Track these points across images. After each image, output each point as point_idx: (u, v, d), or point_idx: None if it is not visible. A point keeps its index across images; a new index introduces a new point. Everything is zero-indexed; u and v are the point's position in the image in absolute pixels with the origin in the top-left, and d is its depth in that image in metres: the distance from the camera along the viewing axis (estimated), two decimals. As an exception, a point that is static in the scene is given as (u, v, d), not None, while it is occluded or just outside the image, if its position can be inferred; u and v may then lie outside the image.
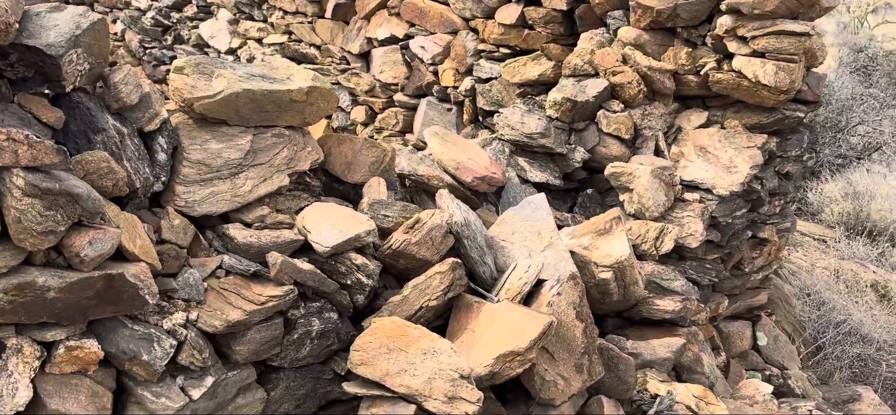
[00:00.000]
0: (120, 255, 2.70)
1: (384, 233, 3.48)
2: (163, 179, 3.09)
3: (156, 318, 2.82)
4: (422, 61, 6.04)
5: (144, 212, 3.04)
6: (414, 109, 6.31)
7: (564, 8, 5.19)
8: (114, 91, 2.93)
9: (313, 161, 3.59)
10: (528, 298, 3.39)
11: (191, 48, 7.74)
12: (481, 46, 5.62)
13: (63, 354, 2.58)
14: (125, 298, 2.64)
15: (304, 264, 3.13)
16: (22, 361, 2.51)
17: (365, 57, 6.62)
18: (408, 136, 6.36)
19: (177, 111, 3.26)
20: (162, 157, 3.09)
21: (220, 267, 3.09)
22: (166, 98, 3.34)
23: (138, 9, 8.28)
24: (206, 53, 7.62)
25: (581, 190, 4.89)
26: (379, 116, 6.59)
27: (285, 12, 6.99)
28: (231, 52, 7.42)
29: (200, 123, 3.24)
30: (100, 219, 2.57)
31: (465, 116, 5.84)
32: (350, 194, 3.83)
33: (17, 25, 2.41)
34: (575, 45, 5.17)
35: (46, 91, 2.82)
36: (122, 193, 2.81)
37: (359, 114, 6.67)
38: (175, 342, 2.79)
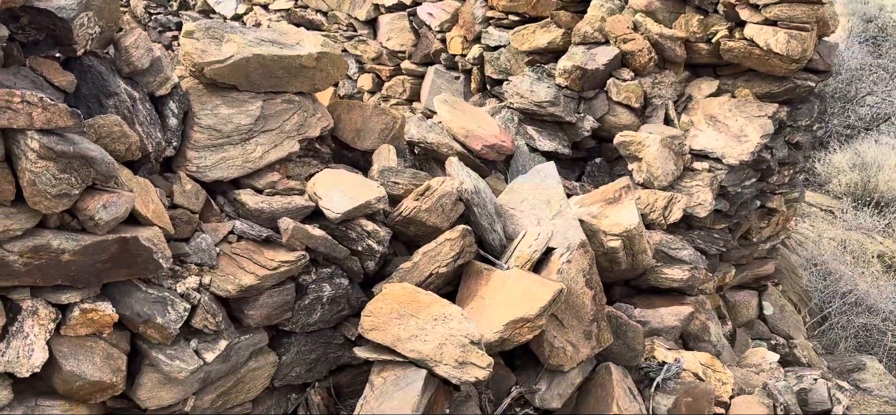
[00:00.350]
0: (133, 219, 2.71)
1: (394, 200, 3.49)
2: (174, 143, 3.09)
3: (169, 282, 2.83)
4: (429, 28, 6.01)
5: (156, 177, 3.05)
6: (421, 77, 6.29)
7: (575, -25, 5.15)
8: (125, 55, 2.92)
9: (323, 128, 3.59)
10: (537, 266, 3.40)
11: (196, 14, 7.71)
12: (490, 14, 5.58)
13: (78, 316, 2.60)
14: (139, 261, 2.66)
15: (315, 230, 3.14)
16: (37, 323, 2.53)
17: (372, 24, 6.58)
18: (415, 104, 6.35)
19: (187, 76, 3.25)
20: (173, 122, 3.09)
21: (232, 232, 3.10)
22: (177, 63, 3.33)
23: (144, -26, 8.24)
24: (212, 19, 7.58)
25: (589, 159, 4.89)
26: (386, 84, 6.57)
27: (292, -22, 6.96)
28: (237, 17, 7.38)
29: (211, 89, 3.23)
30: (113, 183, 2.58)
31: (473, 85, 5.82)
32: (360, 161, 3.84)
33: (29, -13, 2.39)
34: (585, 12, 5.13)
35: (58, 55, 2.81)
36: (135, 158, 2.81)
37: (365, 81, 6.64)
38: (188, 306, 2.81)
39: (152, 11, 8.08)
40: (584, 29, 4.90)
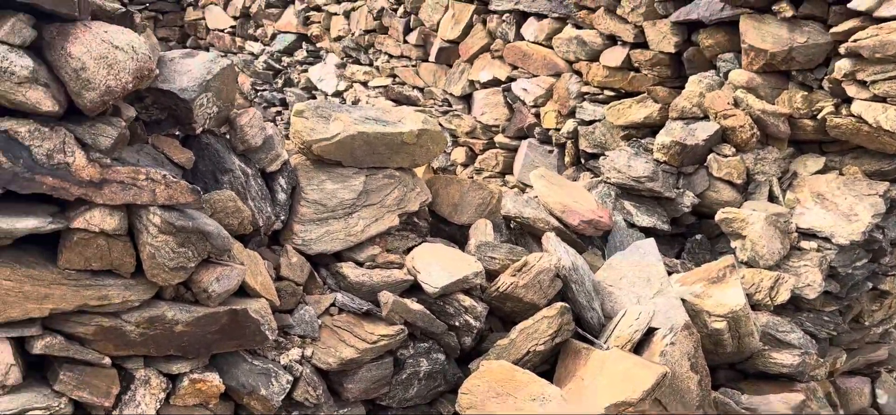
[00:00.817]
0: (242, 290, 2.80)
1: (491, 275, 3.48)
2: (282, 217, 3.20)
3: (273, 353, 2.89)
4: (523, 103, 6.07)
5: (264, 249, 3.15)
6: (514, 150, 6.33)
7: (672, 51, 5.12)
8: (239, 133, 3.05)
9: (422, 202, 3.65)
10: (638, 347, 3.31)
11: (299, 91, 8.03)
12: (585, 89, 5.59)
13: (187, 386, 2.68)
14: (247, 333, 2.73)
15: (414, 305, 3.16)
16: (149, 392, 2.62)
17: (466, 99, 6.70)
18: (508, 177, 6.37)
19: (295, 152, 3.38)
20: (282, 196, 3.20)
21: (333, 305, 3.15)
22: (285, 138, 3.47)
23: (252, 53, 8.66)
24: (314, 96, 7.88)
25: (689, 235, 4.77)
26: (479, 158, 6.63)
27: (390, 56, 7.17)
28: (337, 94, 7.65)
29: (317, 165, 3.35)
30: (227, 256, 2.67)
31: (567, 158, 5.81)
32: (456, 235, 3.86)
33: (156, 71, 2.54)
34: (682, 87, 5.08)
35: (177, 133, 2.97)
36: (247, 232, 2.92)
37: (459, 155, 6.73)
38: (291, 378, 2.85)
39: (258, 88, 8.46)
40: (682, 104, 4.84)
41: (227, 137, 3.10)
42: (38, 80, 2.20)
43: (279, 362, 2.89)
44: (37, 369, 2.49)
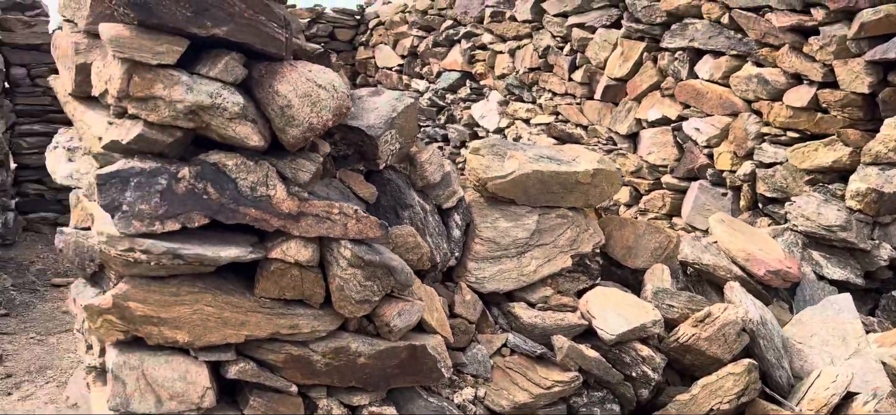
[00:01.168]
0: (418, 326, 2.81)
1: (668, 324, 3.32)
2: (456, 254, 3.20)
3: (447, 391, 2.88)
4: (695, 143, 5.81)
5: (438, 285, 3.16)
6: (682, 191, 6.06)
7: (866, 91, 4.73)
8: (419, 169, 3.10)
9: (595, 244, 3.55)
10: (835, 412, 3.03)
11: (461, 127, 8.14)
12: (765, 130, 5.27)
13: (366, 418, 2.71)
14: (424, 369, 2.73)
15: (589, 351, 3.06)
16: (330, 420, 2.67)
17: (632, 138, 6.51)
18: (675, 219, 6.11)
19: (469, 189, 3.39)
20: (457, 233, 3.20)
21: (505, 345, 3.11)
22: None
23: (417, 91, 8.91)
24: (476, 133, 7.96)
25: (884, 291, 4.35)
26: (644, 198, 6.41)
27: (554, 94, 7.12)
28: (499, 131, 7.69)
29: (491, 202, 3.34)
30: (408, 291, 2.69)
31: (743, 202, 5.48)
32: (629, 279, 3.72)
33: (352, 109, 2.62)
34: (876, 130, 4.67)
35: (361, 168, 3.05)
36: (425, 268, 2.94)
37: (623, 194, 6.54)
38: (465, 418, 2.83)
39: (422, 124, 8.67)
40: (877, 148, 4.45)
41: (407, 173, 3.15)
42: (247, 116, 2.32)
43: (453, 400, 2.87)
44: (227, 394, 2.60)
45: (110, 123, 2.33)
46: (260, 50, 2.32)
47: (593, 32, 6.71)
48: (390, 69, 9.63)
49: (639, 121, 6.41)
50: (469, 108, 8.13)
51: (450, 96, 8.41)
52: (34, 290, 6.13)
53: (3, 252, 6.91)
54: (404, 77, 9.35)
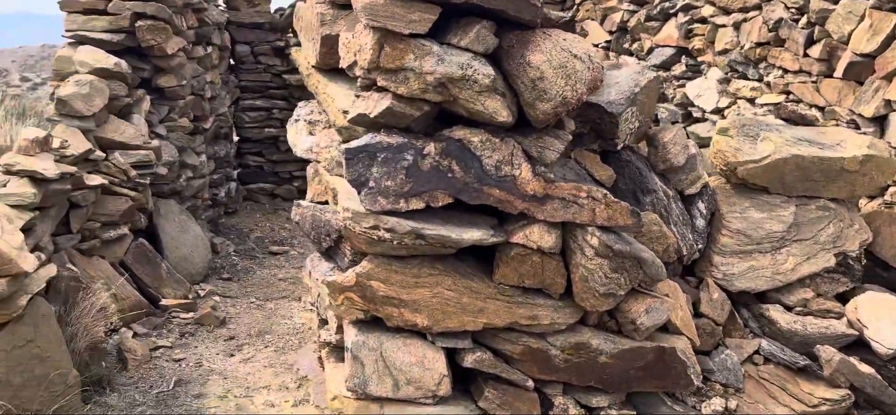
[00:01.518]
0: (662, 326, 2.54)
1: (956, 341, 2.80)
2: (699, 246, 2.88)
3: (693, 399, 2.59)
4: (963, 128, 5.01)
5: (679, 280, 2.86)
6: (942, 183, 5.26)
7: None
8: (661, 151, 2.80)
9: (862, 241, 3.09)
10: None
11: (673, 107, 7.63)
12: None
13: (602, 422, 2.48)
14: (672, 374, 2.46)
15: (862, 366, 2.64)
16: (565, 421, 2.47)
17: (880, 121, 5.74)
18: (932, 215, 5.32)
19: (713, 175, 3.04)
20: (700, 223, 2.88)
21: (757, 352, 2.76)
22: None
23: (623, 67, 8.49)
24: (690, 113, 7.43)
25: None
26: (891, 190, 5.65)
27: (785, 71, 6.45)
28: (717, 111, 7.11)
29: (738, 189, 2.98)
30: (655, 287, 2.43)
31: None
32: (896, 284, 3.21)
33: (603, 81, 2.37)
34: None
35: (595, 148, 2.80)
36: (670, 260, 2.66)
37: (865, 184, 5.81)
38: (714, 432, 2.52)
39: (629, 102, 8.24)
40: None
41: (646, 154, 2.86)
42: (496, 90, 2.14)
43: (700, 410, 2.57)
44: (459, 382, 2.47)
45: (357, 96, 2.24)
46: (513, 17, 2.13)
47: (836, 3, 5.98)
48: (596, 46, 9.24)
49: (888, 102, 5.64)
50: (683, 86, 7.59)
51: (662, 74, 7.90)
52: (253, 256, 6.47)
53: (227, 219, 7.37)
54: (611, 54, 8.93)
